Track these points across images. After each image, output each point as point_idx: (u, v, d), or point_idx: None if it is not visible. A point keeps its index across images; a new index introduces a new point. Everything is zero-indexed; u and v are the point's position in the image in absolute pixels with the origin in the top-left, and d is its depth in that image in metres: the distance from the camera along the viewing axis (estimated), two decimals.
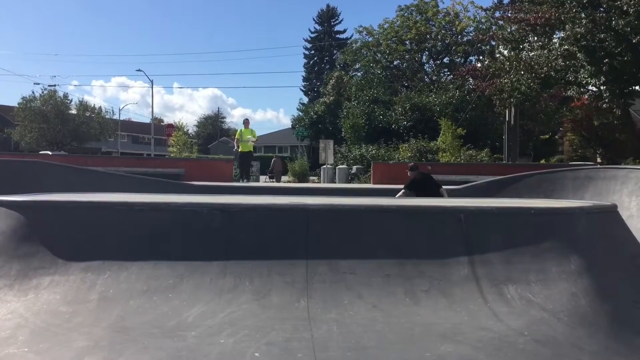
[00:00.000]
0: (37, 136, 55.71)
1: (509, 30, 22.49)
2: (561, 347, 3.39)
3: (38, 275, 4.00)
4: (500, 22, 24.82)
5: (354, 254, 4.24)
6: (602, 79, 19.07)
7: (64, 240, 4.28)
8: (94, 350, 3.10)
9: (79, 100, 62.48)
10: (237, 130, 20.06)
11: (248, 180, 18.10)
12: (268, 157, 50.06)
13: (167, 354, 3.05)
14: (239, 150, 17.93)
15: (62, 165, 11.02)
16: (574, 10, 18.55)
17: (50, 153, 36.43)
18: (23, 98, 57.91)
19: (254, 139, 18.18)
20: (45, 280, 3.96)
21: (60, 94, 57.98)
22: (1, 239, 4.27)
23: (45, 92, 56.96)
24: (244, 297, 3.86)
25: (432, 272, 4.11)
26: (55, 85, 59.48)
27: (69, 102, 58.51)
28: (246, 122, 18.64)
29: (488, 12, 33.04)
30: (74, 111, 59.12)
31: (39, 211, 4.52)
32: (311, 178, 26.38)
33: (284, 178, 26.32)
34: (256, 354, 3.06)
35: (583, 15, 18.20)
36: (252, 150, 18.42)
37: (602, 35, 17.89)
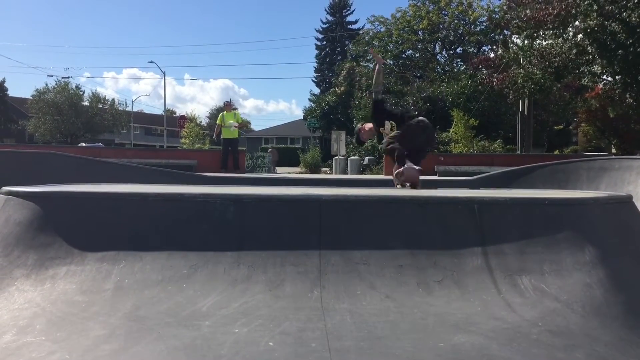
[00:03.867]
0: (51, 128, 56.19)
1: (522, 16, 22.28)
2: (575, 338, 3.38)
3: (54, 265, 4.04)
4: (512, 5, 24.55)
5: (367, 245, 4.24)
6: (615, 70, 18.94)
7: (79, 230, 4.32)
8: (110, 338, 3.13)
9: (92, 92, 62.80)
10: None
11: (229, 172, 15.79)
12: (280, 148, 50.11)
13: (182, 342, 3.07)
14: (222, 137, 16.20)
15: (76, 157, 11.10)
16: (585, 2, 18.39)
17: (84, 145, 36.91)
18: (37, 90, 58.41)
19: (237, 124, 16.38)
20: (62, 270, 4.00)
21: (73, 85, 58.27)
22: (18, 229, 4.32)
23: (58, 84, 57.32)
24: (258, 287, 3.88)
25: (445, 263, 4.10)
26: (68, 77, 59.84)
27: (81, 93, 58.83)
28: (227, 104, 17.03)
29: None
30: (87, 103, 59.49)
31: (54, 202, 4.55)
32: (323, 169, 26.41)
33: (295, 169, 26.32)
34: (270, 343, 3.08)
35: (595, 7, 18.04)
36: (237, 137, 16.55)
37: (614, 27, 17.75)
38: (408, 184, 6.69)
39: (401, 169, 6.56)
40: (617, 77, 20.48)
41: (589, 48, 18.98)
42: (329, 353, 2.98)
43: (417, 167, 6.60)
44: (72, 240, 4.21)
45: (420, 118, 7.15)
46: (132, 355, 2.95)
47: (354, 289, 3.90)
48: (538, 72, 21.05)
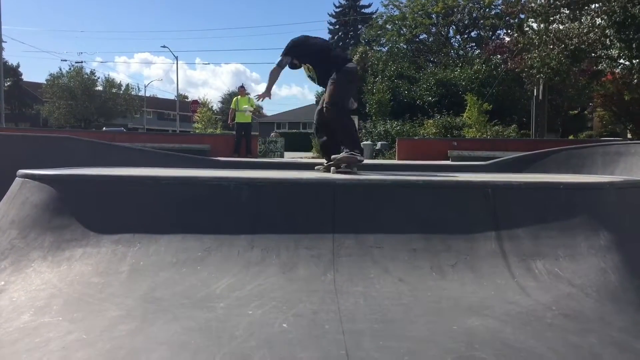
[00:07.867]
0: (65, 112, 56.60)
1: (538, 1, 21.97)
2: (589, 322, 3.37)
3: (70, 247, 4.09)
4: None
5: (380, 229, 4.24)
6: (633, 54, 18.67)
7: (95, 213, 4.35)
8: (126, 319, 3.17)
9: (105, 77, 63.13)
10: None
11: (241, 156, 15.66)
12: (292, 133, 50.09)
13: (197, 324, 3.11)
14: (236, 121, 16.20)
15: (90, 141, 11.16)
16: None
17: (105, 129, 37.56)
18: (51, 75, 58.79)
19: (252, 109, 16.39)
20: (78, 252, 4.04)
21: (87, 70, 58.62)
22: (34, 211, 4.36)
23: (72, 68, 57.64)
24: (271, 270, 3.90)
25: (459, 247, 4.10)
26: (82, 62, 60.15)
27: (95, 78, 59.15)
28: (242, 89, 17.01)
29: None
30: (100, 88, 59.81)
31: (70, 185, 4.59)
32: None
33: (308, 154, 26.31)
34: (284, 325, 3.11)
35: None
36: (250, 121, 16.54)
37: (636, 11, 17.46)
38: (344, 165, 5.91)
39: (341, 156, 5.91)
40: (634, 62, 20.18)
41: (607, 31, 18.72)
42: (343, 335, 2.99)
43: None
44: (87, 223, 4.25)
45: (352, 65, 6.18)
46: (148, 335, 2.98)
47: (367, 272, 3.91)
48: (554, 56, 20.73)
